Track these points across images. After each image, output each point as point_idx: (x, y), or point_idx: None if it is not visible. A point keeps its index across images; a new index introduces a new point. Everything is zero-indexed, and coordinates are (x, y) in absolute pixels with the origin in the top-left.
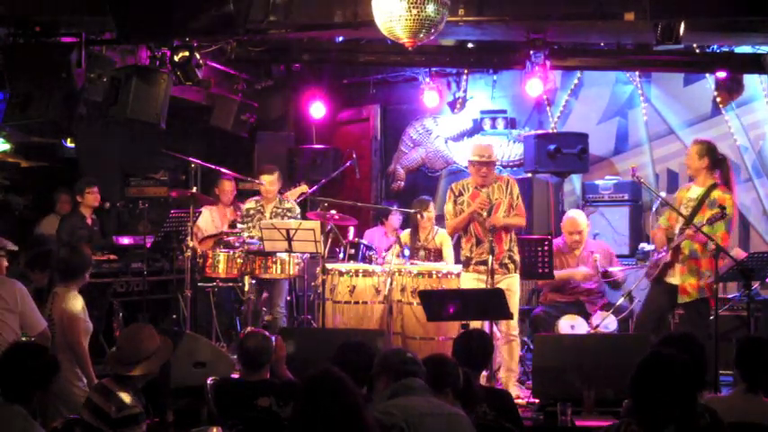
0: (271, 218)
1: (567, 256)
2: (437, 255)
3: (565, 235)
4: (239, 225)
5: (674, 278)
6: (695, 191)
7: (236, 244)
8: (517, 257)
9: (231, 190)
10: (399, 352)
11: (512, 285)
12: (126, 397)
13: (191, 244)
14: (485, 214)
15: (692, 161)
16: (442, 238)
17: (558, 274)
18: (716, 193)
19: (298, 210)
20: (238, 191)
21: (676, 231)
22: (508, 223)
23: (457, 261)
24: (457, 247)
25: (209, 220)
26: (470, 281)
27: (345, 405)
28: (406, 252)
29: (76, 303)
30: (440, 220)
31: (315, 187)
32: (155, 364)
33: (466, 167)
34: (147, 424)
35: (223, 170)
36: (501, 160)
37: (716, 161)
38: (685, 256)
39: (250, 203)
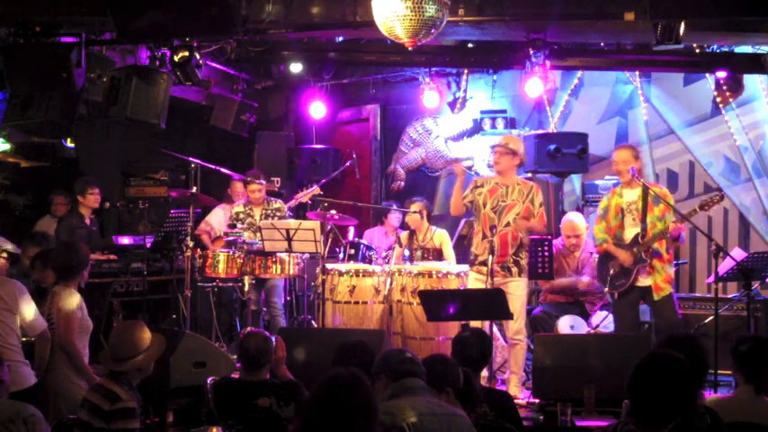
0: (261, 220)
1: (567, 258)
2: (436, 255)
3: (563, 238)
4: (239, 226)
5: (644, 280)
6: (630, 194)
7: (239, 243)
8: (524, 262)
9: (243, 191)
10: (399, 352)
11: (514, 289)
12: (120, 391)
13: (191, 244)
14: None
15: (630, 165)
16: (442, 238)
17: (560, 281)
18: (655, 189)
19: (285, 208)
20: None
21: (626, 237)
22: (530, 227)
23: (458, 260)
24: (456, 247)
25: (222, 219)
26: (474, 281)
27: (366, 407)
28: (406, 253)
29: (73, 302)
30: (437, 219)
31: (315, 187)
32: (147, 360)
33: (466, 167)
34: (145, 423)
35: (223, 170)
36: None
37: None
38: (650, 254)
39: (239, 207)
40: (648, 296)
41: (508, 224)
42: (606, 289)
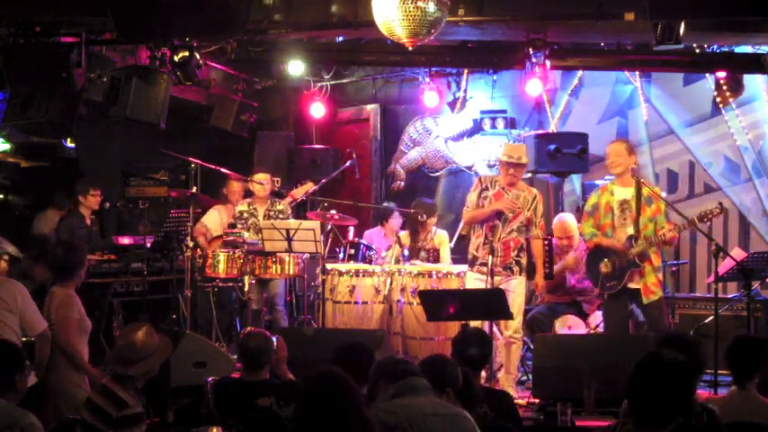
0: (263, 220)
1: (562, 257)
2: (435, 255)
3: (555, 239)
4: (239, 226)
5: (635, 282)
6: (623, 192)
7: (238, 243)
8: (524, 261)
9: (239, 190)
10: (390, 356)
11: (514, 287)
12: (127, 396)
13: (191, 244)
14: (510, 215)
15: (623, 159)
16: (441, 239)
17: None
18: (646, 190)
19: (289, 211)
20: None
21: (618, 237)
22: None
23: (455, 261)
24: (457, 247)
25: (218, 220)
26: (474, 281)
27: (347, 405)
28: (406, 253)
29: (70, 303)
30: (438, 221)
31: (315, 187)
32: (154, 363)
33: (466, 167)
34: (147, 424)
35: (223, 170)
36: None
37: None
38: (642, 259)
39: (242, 206)
40: (638, 299)
41: (512, 232)
42: (596, 290)
